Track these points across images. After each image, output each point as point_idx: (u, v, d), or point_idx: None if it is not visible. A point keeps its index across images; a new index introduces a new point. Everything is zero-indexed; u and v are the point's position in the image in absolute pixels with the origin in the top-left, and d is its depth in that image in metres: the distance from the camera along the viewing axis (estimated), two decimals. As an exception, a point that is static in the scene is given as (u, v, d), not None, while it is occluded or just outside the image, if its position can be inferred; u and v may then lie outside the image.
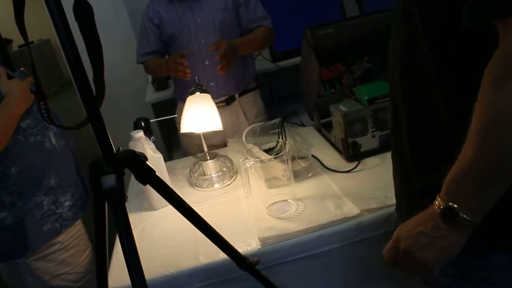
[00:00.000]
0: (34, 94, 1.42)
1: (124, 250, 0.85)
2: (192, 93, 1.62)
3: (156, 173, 0.95)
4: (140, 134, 1.52)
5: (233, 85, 2.15)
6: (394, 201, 1.32)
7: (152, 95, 2.81)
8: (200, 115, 1.60)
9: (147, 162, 0.94)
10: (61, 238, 1.49)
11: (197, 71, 2.02)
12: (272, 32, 2.15)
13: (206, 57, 2.02)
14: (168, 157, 2.75)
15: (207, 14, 2.00)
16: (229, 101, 2.17)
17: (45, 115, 0.90)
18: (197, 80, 1.66)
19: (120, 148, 0.92)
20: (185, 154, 2.29)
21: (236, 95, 2.20)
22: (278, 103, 2.94)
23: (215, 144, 2.11)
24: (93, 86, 0.83)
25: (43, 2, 0.76)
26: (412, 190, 0.96)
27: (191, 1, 2.00)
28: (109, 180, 0.85)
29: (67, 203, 1.51)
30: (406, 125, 0.95)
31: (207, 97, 1.62)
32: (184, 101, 2.16)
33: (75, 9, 0.77)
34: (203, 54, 2.03)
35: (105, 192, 0.85)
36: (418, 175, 0.93)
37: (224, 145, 2.13)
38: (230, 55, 1.83)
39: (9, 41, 7.03)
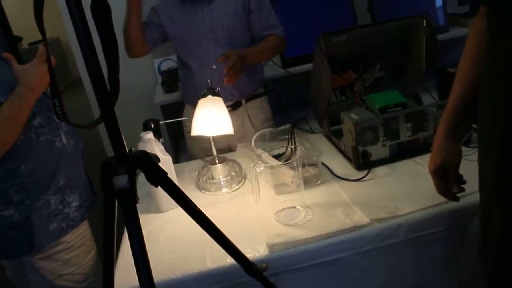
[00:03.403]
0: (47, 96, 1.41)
1: (134, 251, 0.84)
2: (204, 96, 1.62)
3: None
4: (149, 135, 1.52)
5: (239, 91, 2.13)
6: (404, 211, 1.32)
7: (161, 97, 2.80)
8: (211, 118, 1.59)
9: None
10: (67, 238, 1.49)
11: (204, 75, 2.01)
12: (283, 41, 2.13)
13: (214, 61, 2.00)
14: (175, 160, 2.74)
15: (217, 18, 1.99)
16: (235, 106, 2.15)
17: (59, 112, 0.90)
18: (209, 83, 1.65)
19: (133, 149, 0.92)
20: (191, 158, 2.28)
21: (243, 101, 2.18)
22: (286, 109, 2.93)
23: (220, 148, 2.10)
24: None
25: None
26: None
27: (202, 4, 1.98)
28: (122, 180, 0.84)
29: (74, 204, 1.50)
30: None
31: (218, 101, 1.62)
32: (191, 104, 2.16)
33: (93, 7, 0.77)
34: (211, 58, 2.01)
35: (117, 192, 0.84)
36: None
37: (229, 150, 2.12)
38: (238, 67, 1.80)
39: (19, 39, 7.07)
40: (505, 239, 0.95)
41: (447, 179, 1.16)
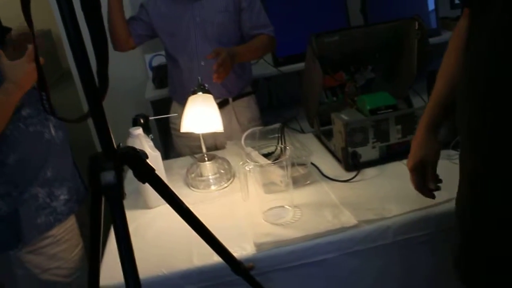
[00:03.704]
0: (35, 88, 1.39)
1: (120, 248, 0.83)
2: (194, 92, 1.61)
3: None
4: (139, 131, 1.51)
5: (227, 89, 2.12)
6: (392, 213, 1.32)
7: (152, 92, 2.78)
8: (201, 115, 1.58)
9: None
10: (54, 232, 1.48)
11: (192, 71, 2.01)
12: (273, 41, 2.12)
13: (202, 58, 1.99)
14: (164, 156, 2.72)
15: (207, 14, 1.98)
16: (222, 104, 2.12)
17: (47, 106, 0.89)
18: (199, 80, 1.64)
19: (121, 144, 0.91)
20: (177, 155, 2.26)
21: (230, 99, 2.17)
22: (277, 108, 2.92)
23: (206, 146, 2.06)
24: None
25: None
26: None
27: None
28: (108, 176, 0.83)
29: (62, 197, 1.49)
30: None
31: (209, 98, 1.61)
32: (178, 102, 2.15)
33: (83, 0, 0.76)
34: (200, 54, 2.00)
35: (104, 188, 0.83)
36: None
37: (215, 148, 2.11)
38: (227, 64, 1.78)
39: (8, 30, 6.99)
40: (468, 241, 0.98)
41: (424, 175, 1.17)
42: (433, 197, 1.20)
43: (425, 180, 1.18)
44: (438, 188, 1.18)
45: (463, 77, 0.95)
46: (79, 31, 0.76)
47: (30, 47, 1.31)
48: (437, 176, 1.18)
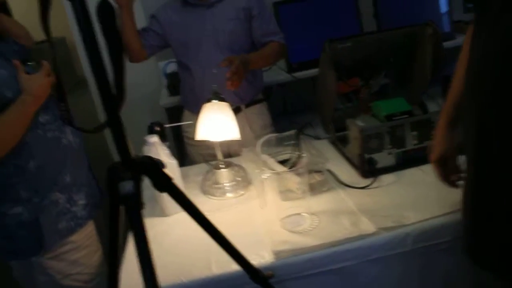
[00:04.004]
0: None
1: (140, 258, 0.83)
2: (209, 100, 1.61)
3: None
4: (155, 139, 1.51)
5: (240, 96, 2.12)
6: (410, 220, 1.31)
7: (166, 99, 2.78)
8: (217, 123, 1.59)
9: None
10: (74, 237, 1.51)
11: (204, 79, 2.01)
12: (284, 48, 2.13)
13: (214, 66, 1.98)
14: (180, 163, 2.72)
15: (218, 23, 1.98)
16: (235, 112, 2.08)
17: (65, 116, 0.90)
18: (215, 88, 1.64)
19: (138, 154, 0.91)
20: (191, 162, 2.27)
21: (243, 107, 2.17)
22: (291, 114, 2.91)
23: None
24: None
25: (70, 2, 0.75)
26: None
27: (203, 8, 1.98)
28: (127, 186, 0.83)
29: (81, 202, 1.52)
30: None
31: (224, 106, 1.61)
32: (190, 110, 2.15)
33: (98, 10, 0.76)
34: (212, 62, 1.99)
35: (122, 198, 0.83)
36: None
37: (228, 155, 2.11)
38: (241, 72, 1.78)
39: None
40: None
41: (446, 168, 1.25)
42: (456, 187, 1.25)
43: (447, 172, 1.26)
44: (460, 179, 1.24)
45: (469, 76, 0.98)
46: (95, 41, 0.76)
47: (46, 63, 1.38)
48: (458, 168, 1.25)
